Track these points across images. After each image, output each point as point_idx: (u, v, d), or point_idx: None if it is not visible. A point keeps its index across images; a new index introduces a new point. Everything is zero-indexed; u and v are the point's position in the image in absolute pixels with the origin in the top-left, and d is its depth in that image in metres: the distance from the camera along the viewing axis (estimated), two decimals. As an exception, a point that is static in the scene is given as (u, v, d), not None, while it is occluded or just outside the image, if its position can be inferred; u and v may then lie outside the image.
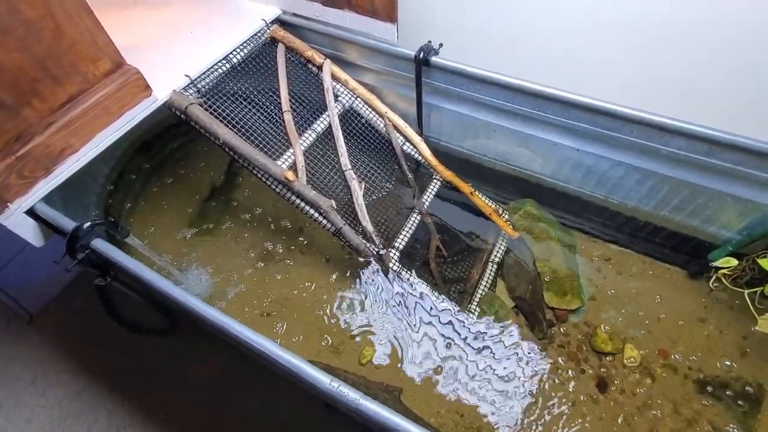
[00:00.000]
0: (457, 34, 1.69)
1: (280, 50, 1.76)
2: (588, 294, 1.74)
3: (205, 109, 1.56)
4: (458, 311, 1.65)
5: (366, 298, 1.73)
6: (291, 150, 1.62)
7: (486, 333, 1.63)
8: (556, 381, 1.54)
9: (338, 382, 0.88)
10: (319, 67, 1.78)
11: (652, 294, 1.72)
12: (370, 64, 1.78)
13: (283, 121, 1.66)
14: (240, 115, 1.63)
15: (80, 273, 1.95)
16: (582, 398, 1.50)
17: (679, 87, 1.43)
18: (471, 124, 1.74)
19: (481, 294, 1.71)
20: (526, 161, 1.77)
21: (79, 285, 2.04)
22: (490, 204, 1.85)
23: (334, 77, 1.80)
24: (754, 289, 1.44)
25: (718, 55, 1.31)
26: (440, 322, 1.64)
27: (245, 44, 1.73)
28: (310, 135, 1.70)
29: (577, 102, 1.42)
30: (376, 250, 1.63)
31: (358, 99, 1.82)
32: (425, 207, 1.83)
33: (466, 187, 1.83)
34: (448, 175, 1.84)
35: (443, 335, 1.62)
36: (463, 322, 1.64)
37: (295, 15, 1.81)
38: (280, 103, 1.69)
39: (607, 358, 1.59)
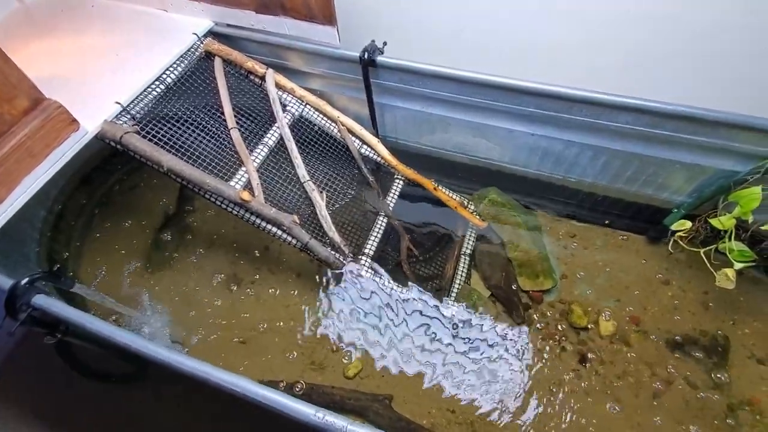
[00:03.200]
0: (402, 30, 1.66)
1: (218, 64, 1.67)
2: (559, 272, 1.78)
3: (143, 137, 1.46)
4: (436, 305, 1.64)
5: (343, 308, 1.69)
6: (244, 168, 1.55)
7: (467, 324, 1.63)
8: (540, 362, 1.56)
9: (323, 411, 0.84)
10: (262, 78, 1.71)
11: (617, 264, 1.78)
12: (316, 70, 1.73)
13: (231, 138, 1.58)
14: (183, 138, 1.53)
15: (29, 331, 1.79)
16: (566, 376, 1.53)
17: (623, 63, 1.47)
18: (426, 120, 1.72)
19: (458, 288, 1.71)
20: (485, 150, 1.78)
21: (30, 342, 1.87)
22: (454, 197, 1.85)
23: (279, 87, 1.73)
24: (708, 248, 1.51)
25: (657, 32, 1.36)
26: (421, 318, 1.63)
27: (178, 62, 1.62)
28: (262, 150, 1.63)
29: (526, 88, 1.43)
30: (347, 259, 1.59)
31: (308, 106, 1.76)
32: (391, 208, 1.80)
33: (428, 183, 1.82)
34: (410, 173, 1.82)
35: (426, 333, 1.61)
36: (443, 317, 1.64)
37: (229, 26, 1.72)
38: (225, 121, 1.61)
39: (585, 332, 1.63)
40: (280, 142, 1.69)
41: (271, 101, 1.68)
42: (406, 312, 1.64)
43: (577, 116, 1.47)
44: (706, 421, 1.43)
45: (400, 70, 1.54)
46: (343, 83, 1.73)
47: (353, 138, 1.81)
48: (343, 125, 1.78)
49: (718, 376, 1.51)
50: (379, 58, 1.53)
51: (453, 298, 1.67)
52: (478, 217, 1.85)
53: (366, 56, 1.52)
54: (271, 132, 1.68)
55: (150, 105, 1.55)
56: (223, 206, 1.48)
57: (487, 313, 1.67)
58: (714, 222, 1.48)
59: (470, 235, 1.84)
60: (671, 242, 1.61)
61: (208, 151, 1.54)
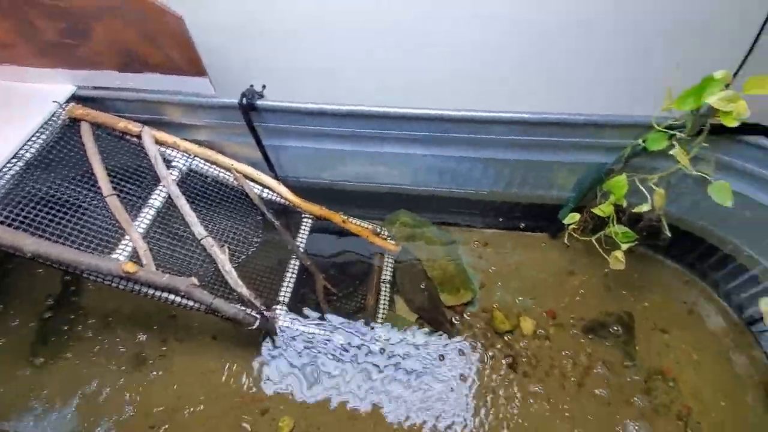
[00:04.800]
0: (282, 71, 1.65)
1: (85, 129, 1.54)
2: (477, 282, 1.82)
3: (1, 222, 1.29)
4: (362, 339, 1.60)
5: (267, 364, 1.58)
6: (127, 237, 1.42)
7: (398, 350, 1.60)
8: (473, 373, 1.57)
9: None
10: (139, 137, 1.60)
11: (528, 263, 1.87)
12: (198, 121, 1.66)
13: (109, 207, 1.45)
14: (51, 216, 1.37)
15: None
16: (499, 382, 1.55)
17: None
18: (321, 155, 1.71)
19: (382, 317, 1.68)
20: (386, 176, 1.80)
21: None
22: (365, 226, 1.84)
23: (160, 143, 1.63)
24: (598, 234, 1.64)
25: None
26: (348, 354, 1.57)
27: (38, 133, 1.47)
28: (147, 213, 1.51)
29: (408, 114, 1.48)
30: (259, 313, 1.50)
31: (196, 159, 1.68)
32: (302, 249, 1.75)
33: (337, 217, 1.80)
34: (316, 209, 1.79)
35: (355, 367, 1.56)
36: (372, 345, 1.59)
37: (96, 88, 1.61)
38: (100, 189, 1.47)
39: (510, 335, 1.67)
40: (169, 202, 1.58)
41: (152, 159, 1.58)
42: (332, 352, 1.58)
43: (459, 134, 1.54)
44: (626, 395, 1.51)
45: (282, 111, 1.52)
46: (229, 130, 1.67)
47: (252, 184, 1.75)
48: (238, 172, 1.72)
49: (630, 351, 1.61)
50: (260, 102, 1.50)
51: (379, 328, 1.64)
52: (391, 242, 1.85)
53: (245, 101, 1.48)
54: (157, 192, 1.56)
55: (8, 185, 1.38)
56: (107, 282, 1.34)
57: (415, 337, 1.65)
58: (597, 211, 1.60)
59: (387, 262, 1.83)
60: (567, 235, 1.72)
61: (82, 225, 1.40)
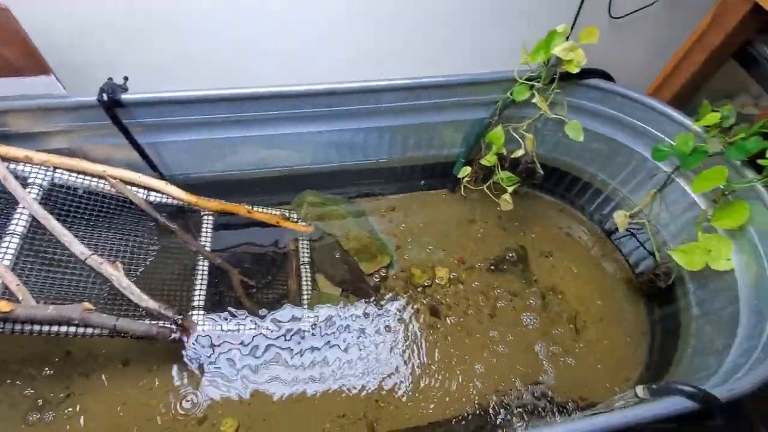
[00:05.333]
0: (143, 62, 1.49)
1: None
2: (392, 245, 1.92)
3: None
4: (293, 320, 1.60)
5: (193, 374, 1.50)
6: (-12, 274, 1.20)
7: (328, 323, 1.64)
8: (403, 328, 1.68)
9: None
10: (-25, 155, 1.33)
11: (434, 220, 2.01)
12: (53, 126, 1.43)
13: (-47, 244, 1.21)
14: None
15: None
16: (426, 330, 1.68)
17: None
18: (208, 146, 1.61)
19: (307, 298, 1.69)
20: (284, 159, 1.77)
21: None
22: (273, 212, 1.80)
23: (7, 159, 1.38)
24: (487, 183, 1.83)
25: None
26: (279, 340, 1.57)
27: None
28: (10, 242, 1.28)
29: (289, 92, 1.46)
30: (174, 322, 1.40)
31: (58, 171, 1.45)
32: (208, 248, 1.65)
33: (241, 209, 1.73)
34: (215, 205, 1.69)
35: (291, 353, 1.56)
36: (303, 325, 1.61)
37: None
38: (-67, 224, 1.21)
39: (429, 288, 1.81)
40: (36, 224, 1.36)
41: (2, 180, 1.33)
42: (262, 343, 1.55)
43: (349, 106, 1.57)
44: (530, 312, 1.76)
45: (152, 104, 1.39)
46: (95, 132, 1.47)
47: (134, 188, 1.58)
48: (114, 178, 1.54)
49: (527, 277, 1.86)
50: (124, 96, 1.34)
51: (306, 309, 1.65)
52: (302, 223, 1.85)
53: (106, 97, 1.31)
54: (17, 215, 1.34)
55: None
56: (-27, 331, 1.13)
57: (342, 307, 1.70)
58: (483, 161, 1.78)
59: (302, 244, 1.83)
60: (462, 188, 1.89)
61: None
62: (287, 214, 1.84)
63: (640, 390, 0.97)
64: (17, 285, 1.22)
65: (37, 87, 1.29)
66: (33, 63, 1.23)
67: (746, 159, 1.29)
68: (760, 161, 1.22)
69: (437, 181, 2.07)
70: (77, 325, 1.25)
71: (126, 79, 1.39)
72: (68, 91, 1.35)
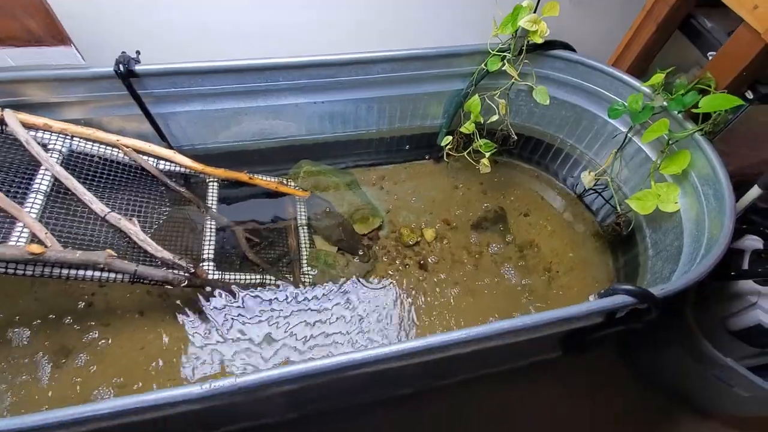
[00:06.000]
0: (159, 34, 1.64)
1: (-72, 119, 1.36)
2: (384, 209, 2.09)
3: None
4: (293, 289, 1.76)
5: (207, 326, 1.64)
6: (19, 224, 1.33)
7: (327, 288, 1.80)
8: (395, 281, 1.85)
9: (207, 382, 0.88)
10: (1, 122, 1.46)
11: (421, 187, 2.19)
12: (70, 97, 1.56)
13: (-13, 197, 1.33)
14: None
15: None
16: (416, 281, 1.86)
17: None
18: (214, 117, 1.76)
19: (306, 255, 1.85)
20: (283, 129, 1.92)
21: None
22: (271, 180, 1.95)
23: (28, 126, 1.51)
24: (468, 150, 2.01)
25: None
26: (280, 303, 1.72)
27: None
28: (35, 198, 1.41)
29: (292, 63, 1.62)
30: (186, 270, 1.55)
31: (75, 139, 1.59)
32: (215, 210, 1.80)
33: (242, 176, 1.88)
34: (220, 172, 1.84)
35: (296, 316, 1.71)
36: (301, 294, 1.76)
37: (-74, 72, 1.40)
38: (-32, 181, 1.34)
39: (417, 246, 1.99)
40: (59, 184, 1.49)
41: (25, 144, 1.46)
42: (270, 304, 1.70)
43: (342, 77, 1.73)
44: (509, 264, 1.94)
45: (166, 74, 1.53)
46: (109, 103, 1.61)
47: (146, 157, 1.72)
48: (126, 147, 1.67)
49: (506, 234, 2.05)
50: (139, 67, 1.48)
51: (306, 264, 1.81)
52: (299, 189, 2.00)
53: (122, 69, 1.46)
54: (40, 176, 1.46)
55: None
56: (11, 272, 1.26)
57: (339, 265, 1.86)
58: (463, 130, 1.97)
59: (300, 208, 1.99)
60: (445, 155, 2.07)
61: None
62: (285, 182, 1.99)
63: (592, 297, 1.16)
64: (45, 234, 1.35)
65: (57, 57, 1.43)
66: (55, 34, 1.37)
67: (685, 110, 1.50)
68: (694, 110, 1.43)
69: (424, 152, 2.25)
70: (102, 269, 1.38)
71: (138, 53, 1.53)
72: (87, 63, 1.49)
